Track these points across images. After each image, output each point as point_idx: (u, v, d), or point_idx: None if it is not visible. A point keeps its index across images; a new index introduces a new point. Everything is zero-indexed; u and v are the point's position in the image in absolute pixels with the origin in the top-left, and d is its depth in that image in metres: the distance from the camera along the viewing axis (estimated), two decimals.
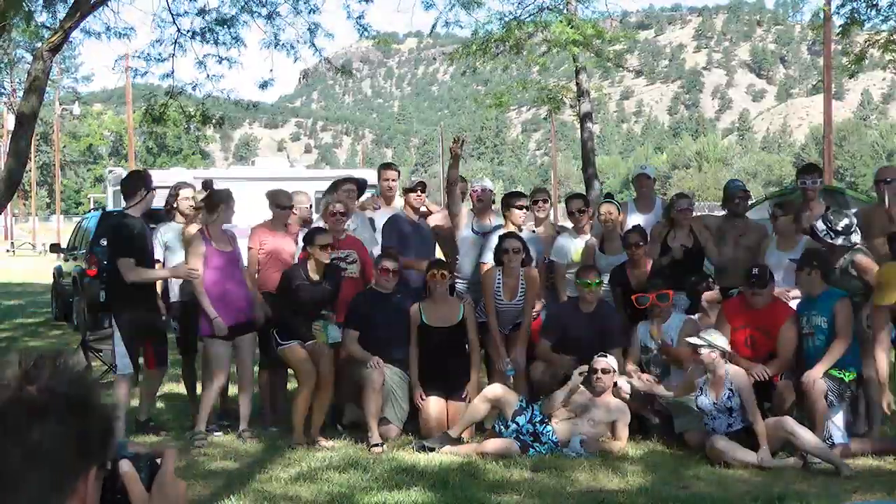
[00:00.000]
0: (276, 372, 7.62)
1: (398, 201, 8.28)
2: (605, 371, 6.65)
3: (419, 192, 7.91)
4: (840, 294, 6.58)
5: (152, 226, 7.57)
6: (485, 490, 5.53)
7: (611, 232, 7.79)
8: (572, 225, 8.13)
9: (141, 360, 7.26)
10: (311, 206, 8.44)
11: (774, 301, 6.86)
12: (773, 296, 6.85)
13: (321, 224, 7.56)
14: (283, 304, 7.02)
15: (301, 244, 7.43)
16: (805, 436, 6.02)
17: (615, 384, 6.74)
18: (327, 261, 6.96)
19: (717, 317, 7.01)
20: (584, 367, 6.68)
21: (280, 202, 7.64)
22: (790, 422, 6.11)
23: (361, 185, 8.13)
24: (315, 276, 6.95)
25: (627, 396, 6.78)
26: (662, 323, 7.04)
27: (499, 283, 7.32)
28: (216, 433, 7.09)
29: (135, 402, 7.42)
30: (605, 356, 6.72)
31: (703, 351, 6.29)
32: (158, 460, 1.60)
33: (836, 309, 6.47)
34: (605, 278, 7.52)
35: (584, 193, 8.85)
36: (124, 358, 6.97)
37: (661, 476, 5.87)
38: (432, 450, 6.46)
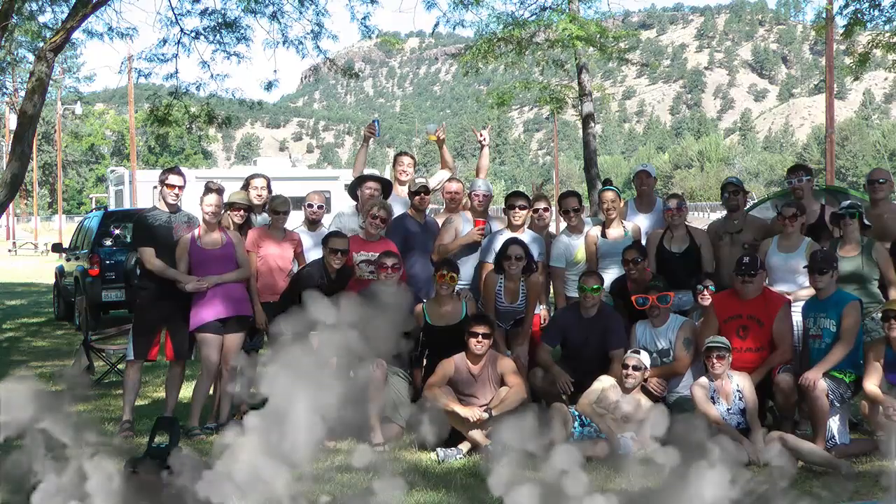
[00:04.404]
0: None
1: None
2: (636, 368, 6.61)
3: (422, 195, 7.91)
4: (850, 298, 6.58)
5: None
6: (489, 490, 5.51)
7: (613, 219, 7.78)
8: (566, 224, 8.06)
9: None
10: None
11: (765, 290, 6.88)
12: (763, 285, 6.87)
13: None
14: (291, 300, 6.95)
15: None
16: (809, 451, 6.01)
17: (644, 381, 6.71)
18: (337, 266, 6.98)
19: (705, 313, 7.02)
20: (613, 381, 6.66)
21: (277, 207, 7.64)
22: (793, 439, 6.10)
23: (386, 186, 8.13)
24: (333, 276, 7.01)
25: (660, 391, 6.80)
26: (661, 325, 7.03)
27: (500, 286, 7.32)
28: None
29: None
30: (638, 353, 6.69)
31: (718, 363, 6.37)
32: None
33: (845, 312, 6.46)
34: (607, 262, 7.56)
35: (577, 192, 8.75)
36: (130, 344, 7.27)
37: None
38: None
